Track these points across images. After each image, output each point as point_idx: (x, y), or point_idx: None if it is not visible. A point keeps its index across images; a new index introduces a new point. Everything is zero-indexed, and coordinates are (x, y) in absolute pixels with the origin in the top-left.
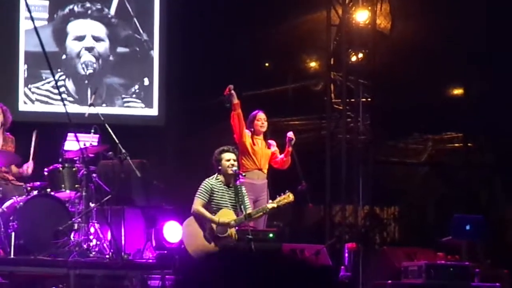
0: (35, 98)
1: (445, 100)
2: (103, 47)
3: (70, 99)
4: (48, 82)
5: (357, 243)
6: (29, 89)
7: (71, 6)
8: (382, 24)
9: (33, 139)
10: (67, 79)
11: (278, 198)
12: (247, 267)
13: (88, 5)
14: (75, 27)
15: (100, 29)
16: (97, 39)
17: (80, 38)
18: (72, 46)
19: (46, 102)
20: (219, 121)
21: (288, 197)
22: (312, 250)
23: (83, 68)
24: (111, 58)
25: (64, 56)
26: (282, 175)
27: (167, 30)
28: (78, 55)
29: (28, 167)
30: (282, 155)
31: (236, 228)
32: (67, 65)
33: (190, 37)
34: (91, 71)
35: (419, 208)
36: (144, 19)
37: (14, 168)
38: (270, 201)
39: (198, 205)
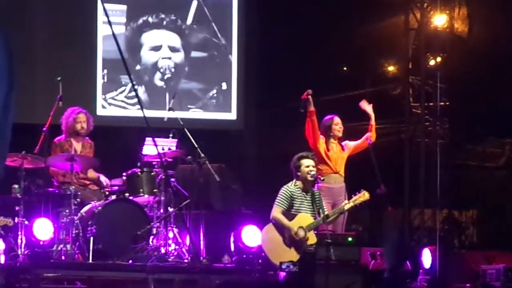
0: (112, 105)
1: None
2: (179, 57)
3: None
4: (121, 92)
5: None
6: (106, 98)
7: (145, 17)
8: (460, 28)
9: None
10: (139, 88)
11: (354, 197)
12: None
13: (162, 15)
14: (150, 38)
15: (175, 40)
16: (173, 49)
17: (156, 48)
18: (148, 56)
19: (124, 107)
20: (297, 126)
21: (364, 195)
22: None
23: (161, 74)
24: (187, 67)
25: (138, 67)
26: (360, 179)
27: (245, 34)
28: (155, 65)
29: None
30: (367, 134)
31: (315, 232)
32: (141, 75)
33: (268, 41)
34: (169, 75)
35: (498, 211)
36: (222, 24)
37: (91, 173)
38: (346, 201)
39: (277, 212)
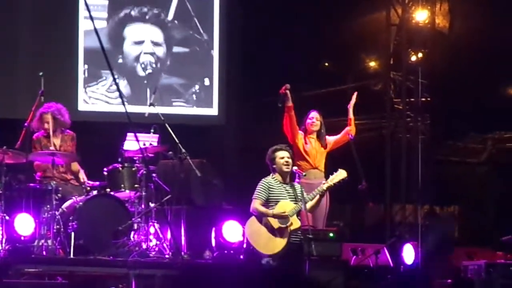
0: (93, 100)
1: (504, 99)
2: (161, 51)
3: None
4: (103, 85)
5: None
6: (86, 92)
7: (127, 10)
8: (441, 24)
9: None
10: (121, 81)
11: (331, 177)
12: None
13: (145, 9)
14: (132, 32)
15: (158, 35)
16: (156, 44)
17: (139, 43)
18: (130, 50)
19: (105, 102)
20: (279, 120)
21: (341, 174)
22: (372, 249)
23: (142, 69)
24: (168, 62)
25: (120, 60)
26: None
27: (227, 29)
28: (137, 59)
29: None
30: (346, 128)
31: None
32: (123, 68)
33: (250, 37)
34: (150, 71)
35: (479, 207)
36: (204, 19)
37: (74, 166)
38: (324, 181)
39: (256, 204)
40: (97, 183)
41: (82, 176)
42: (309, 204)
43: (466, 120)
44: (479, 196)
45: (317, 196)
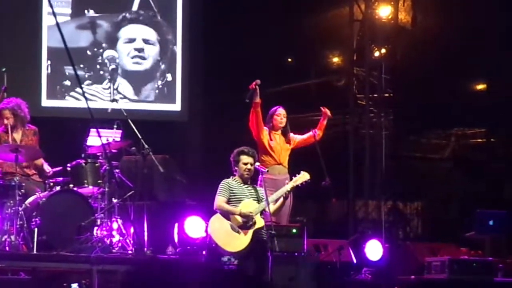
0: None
1: (467, 95)
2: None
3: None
4: (101, 83)
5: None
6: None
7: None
8: (404, 19)
9: None
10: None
11: (294, 179)
12: None
13: (141, 12)
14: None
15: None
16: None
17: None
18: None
19: (73, 98)
20: (242, 117)
21: (304, 176)
22: (335, 245)
23: (105, 63)
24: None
25: (88, 53)
26: (305, 171)
27: (190, 25)
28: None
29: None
30: (314, 130)
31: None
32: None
33: (213, 33)
34: (113, 66)
35: (442, 203)
36: (167, 15)
37: (38, 161)
38: (287, 181)
39: (220, 201)
40: (60, 178)
41: (47, 167)
42: (272, 207)
43: (429, 116)
44: (442, 192)
45: (281, 199)
